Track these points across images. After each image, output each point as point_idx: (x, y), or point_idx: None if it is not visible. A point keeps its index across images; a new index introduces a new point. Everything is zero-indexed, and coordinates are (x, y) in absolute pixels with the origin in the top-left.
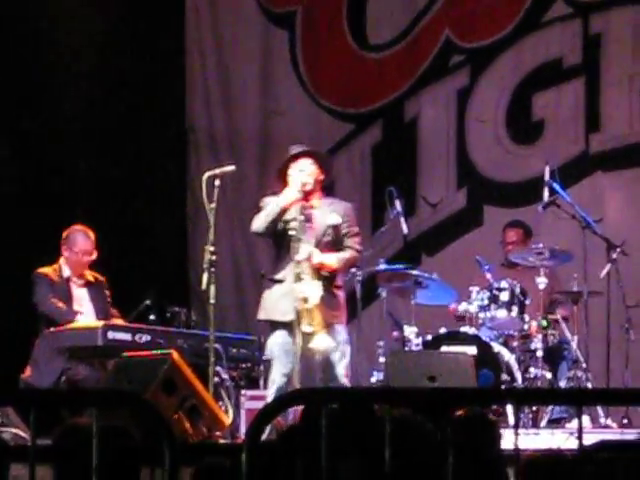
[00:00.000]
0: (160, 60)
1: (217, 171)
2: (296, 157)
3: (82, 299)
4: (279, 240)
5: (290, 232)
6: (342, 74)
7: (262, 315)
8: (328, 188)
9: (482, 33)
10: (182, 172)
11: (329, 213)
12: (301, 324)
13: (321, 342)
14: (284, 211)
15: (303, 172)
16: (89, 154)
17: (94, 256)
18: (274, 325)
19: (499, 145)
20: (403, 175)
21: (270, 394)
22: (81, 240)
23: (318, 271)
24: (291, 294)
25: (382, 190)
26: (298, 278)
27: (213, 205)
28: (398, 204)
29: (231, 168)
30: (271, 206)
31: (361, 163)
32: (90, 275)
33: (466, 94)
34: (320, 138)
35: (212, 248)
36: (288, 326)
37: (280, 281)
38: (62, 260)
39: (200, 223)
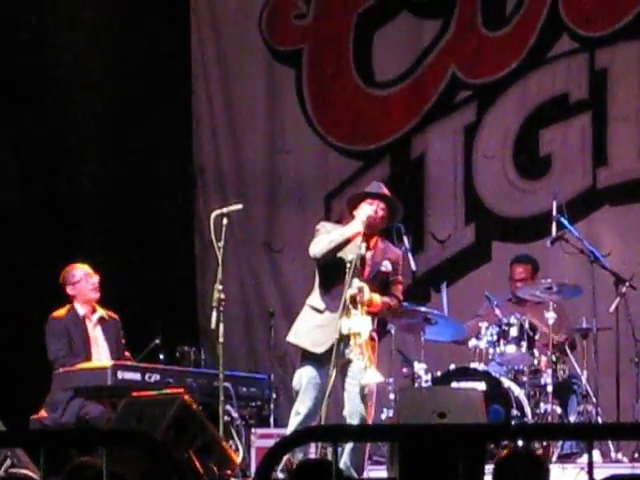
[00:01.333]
0: (167, 101)
1: (225, 210)
2: (374, 197)
3: (98, 339)
4: (329, 270)
5: (348, 264)
6: (349, 111)
7: (292, 338)
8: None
9: (488, 69)
10: (190, 212)
11: (382, 258)
12: (352, 356)
13: (372, 377)
14: (347, 242)
15: (375, 212)
16: (98, 197)
17: (96, 278)
18: (305, 356)
19: (507, 180)
20: (411, 211)
21: (291, 425)
22: (76, 270)
23: (366, 308)
24: (328, 327)
25: (390, 227)
26: (347, 312)
27: (221, 243)
28: (406, 241)
29: (238, 206)
30: (336, 233)
31: None
32: (104, 312)
33: (473, 130)
34: (327, 176)
35: (220, 287)
36: (319, 360)
37: (320, 311)
38: (75, 302)
39: (209, 262)
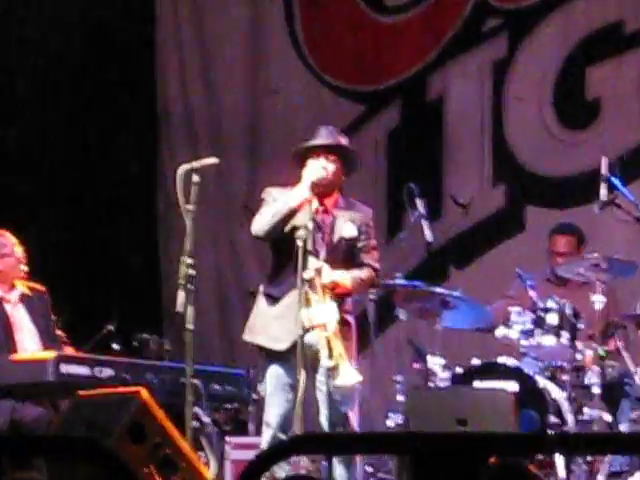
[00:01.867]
0: (125, 30)
1: (196, 164)
2: (319, 150)
3: (21, 321)
4: (281, 248)
5: (298, 241)
6: (350, 43)
7: (247, 336)
8: None
9: None
10: (152, 166)
11: (345, 222)
12: (320, 357)
13: (348, 377)
14: (293, 212)
15: (325, 170)
16: (41, 147)
17: (14, 259)
18: (267, 355)
19: (545, 130)
20: (426, 168)
21: (264, 441)
22: (8, 239)
23: (330, 291)
24: (288, 317)
25: (400, 187)
26: (305, 300)
27: (191, 207)
28: (420, 204)
29: (213, 160)
30: (279, 204)
31: (374, 153)
32: (25, 286)
33: (504, 67)
34: (323, 122)
35: (190, 260)
36: (284, 357)
37: (275, 299)
38: None
39: (175, 229)
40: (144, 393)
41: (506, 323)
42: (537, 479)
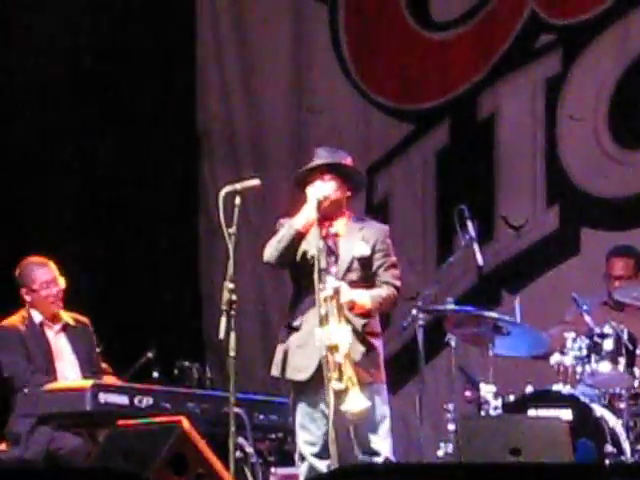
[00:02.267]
0: (166, 46)
1: (238, 186)
2: (314, 172)
3: (62, 350)
4: (298, 276)
5: (312, 261)
6: (398, 60)
7: (274, 371)
8: (379, 208)
9: (577, 6)
10: (193, 188)
11: (357, 241)
12: (329, 379)
13: (355, 402)
14: (300, 235)
15: (320, 187)
16: (78, 169)
17: (61, 286)
18: (294, 386)
19: (600, 150)
20: (477, 190)
21: (301, 475)
22: (38, 271)
23: (349, 311)
24: (310, 345)
25: (451, 209)
26: (324, 321)
27: (233, 229)
28: (471, 227)
29: (255, 182)
30: (284, 229)
31: (423, 174)
32: (68, 317)
33: (557, 84)
34: (370, 142)
35: (232, 285)
36: (310, 386)
37: (296, 328)
38: (29, 307)
39: (217, 253)
40: (185, 423)
41: (561, 349)
42: None
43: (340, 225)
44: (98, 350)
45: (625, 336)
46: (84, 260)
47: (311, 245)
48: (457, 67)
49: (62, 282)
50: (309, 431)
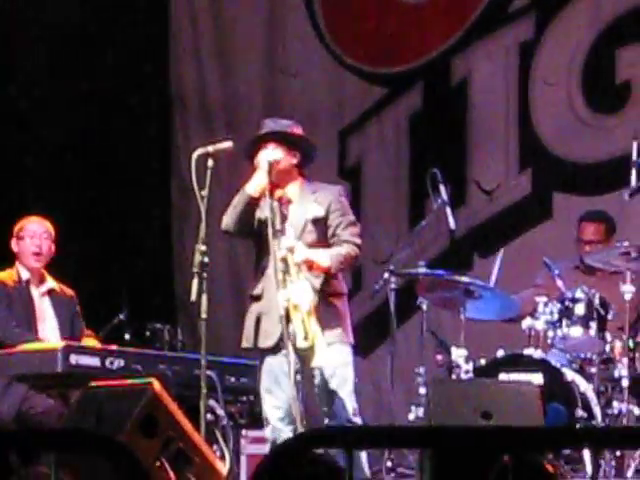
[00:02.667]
0: (140, 9)
1: (210, 148)
2: (260, 142)
3: (44, 311)
4: (257, 245)
5: (266, 226)
6: (372, 24)
7: (244, 343)
8: (352, 172)
9: None
10: (165, 150)
11: (310, 204)
12: (296, 339)
13: (323, 358)
14: (253, 200)
15: (268, 152)
16: (49, 131)
17: (48, 247)
18: (262, 352)
19: (573, 114)
20: (449, 153)
21: (267, 438)
22: (31, 223)
23: (307, 271)
24: (274, 310)
25: (423, 173)
26: (282, 282)
27: (205, 192)
28: (443, 191)
29: (228, 144)
30: (238, 196)
31: (396, 138)
32: (55, 283)
33: (531, 49)
34: (344, 106)
35: (204, 247)
36: (275, 349)
37: (259, 296)
38: (17, 263)
39: (189, 215)
40: (156, 385)
41: (533, 314)
42: (553, 478)
43: (293, 191)
44: (83, 323)
45: (597, 301)
46: (58, 221)
47: (265, 210)
48: (431, 31)
49: (51, 246)
50: (275, 395)
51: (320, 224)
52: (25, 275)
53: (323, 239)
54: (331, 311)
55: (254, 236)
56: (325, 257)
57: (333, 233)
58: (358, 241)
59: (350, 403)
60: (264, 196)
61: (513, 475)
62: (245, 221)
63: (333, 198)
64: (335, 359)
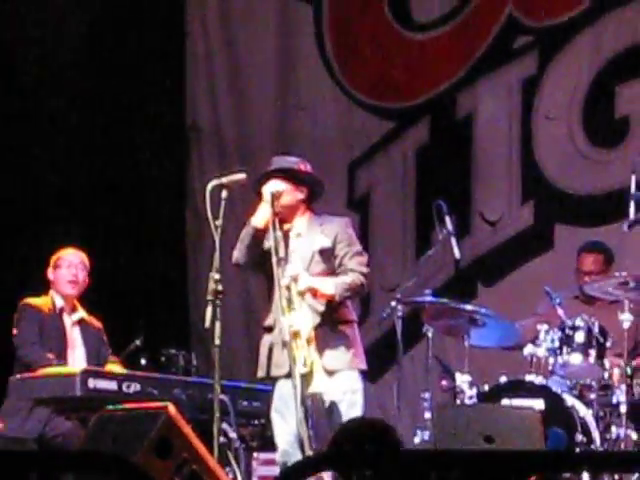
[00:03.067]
0: (155, 43)
1: (224, 180)
2: (265, 179)
3: (75, 339)
4: (266, 277)
5: (273, 257)
6: (380, 60)
7: (259, 372)
8: (360, 203)
9: (553, 9)
10: (181, 181)
11: (317, 235)
12: (296, 365)
13: (318, 385)
14: (259, 232)
15: (274, 185)
16: (72, 159)
17: (84, 277)
18: (274, 381)
19: (574, 148)
20: (455, 186)
21: (278, 462)
22: (68, 254)
23: (313, 297)
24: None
25: (429, 204)
26: (287, 309)
27: (219, 222)
28: (449, 222)
29: (242, 176)
30: (244, 229)
31: (403, 170)
32: (85, 313)
33: (533, 85)
34: (352, 139)
35: (218, 276)
36: (287, 376)
37: (271, 328)
38: (52, 291)
39: (203, 244)
40: (171, 408)
41: (534, 341)
42: None
43: (301, 224)
44: (109, 352)
45: (596, 329)
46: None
47: (270, 240)
48: (437, 67)
49: (86, 277)
50: (285, 419)
51: (327, 255)
52: (59, 303)
53: (331, 269)
54: (340, 338)
55: (264, 268)
56: (329, 285)
57: (340, 263)
58: (365, 270)
59: None
60: (268, 227)
61: None
62: (253, 253)
63: (340, 229)
64: (343, 385)
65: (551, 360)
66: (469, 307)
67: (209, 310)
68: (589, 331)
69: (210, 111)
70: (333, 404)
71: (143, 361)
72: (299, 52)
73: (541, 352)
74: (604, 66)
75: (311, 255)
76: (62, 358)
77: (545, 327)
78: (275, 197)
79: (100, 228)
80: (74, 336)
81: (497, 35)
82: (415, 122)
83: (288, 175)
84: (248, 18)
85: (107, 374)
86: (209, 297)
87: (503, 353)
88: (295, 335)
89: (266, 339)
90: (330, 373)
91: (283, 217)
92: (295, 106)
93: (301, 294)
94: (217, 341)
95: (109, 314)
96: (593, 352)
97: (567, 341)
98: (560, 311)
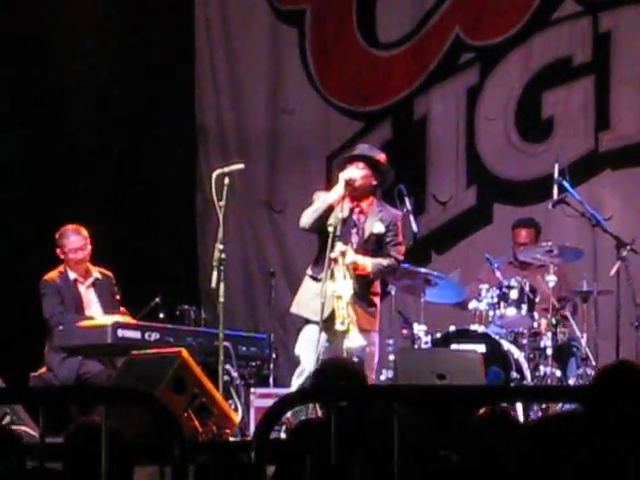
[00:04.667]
0: (171, 59)
1: (226, 169)
2: (351, 160)
3: (91, 300)
4: (322, 239)
5: (329, 228)
6: (352, 72)
7: (294, 309)
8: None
9: (492, 31)
10: (192, 170)
11: (376, 220)
12: (335, 322)
13: (354, 340)
14: (331, 207)
15: (350, 171)
16: (97, 152)
17: (87, 251)
18: (307, 323)
19: (508, 143)
20: (413, 173)
21: (293, 387)
22: (70, 238)
23: (353, 271)
24: (321, 294)
25: (392, 188)
26: (331, 276)
27: (222, 203)
28: (408, 202)
29: (240, 166)
30: (319, 201)
31: None
32: (97, 271)
33: (476, 92)
34: (329, 136)
35: (221, 246)
36: (317, 323)
37: (317, 279)
38: (65, 264)
39: (210, 221)
40: (185, 353)
41: (477, 298)
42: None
43: (366, 206)
44: (118, 298)
45: (527, 288)
46: (112, 234)
47: (334, 216)
48: (398, 78)
49: (88, 247)
50: (310, 356)
51: (379, 238)
52: (72, 275)
53: (378, 250)
54: (371, 306)
55: (321, 233)
56: (368, 263)
57: (385, 247)
58: (400, 258)
59: (371, 375)
60: (337, 205)
61: (490, 423)
62: (320, 222)
63: (393, 220)
64: (368, 341)
65: (491, 313)
66: (424, 270)
67: (214, 274)
68: (521, 290)
69: (215, 114)
70: (361, 354)
71: (161, 315)
72: (287, 67)
73: (482, 306)
74: (533, 77)
75: (368, 235)
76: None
77: (486, 286)
78: (348, 183)
79: (125, 210)
80: (89, 297)
81: (446, 52)
82: (380, 122)
83: (369, 162)
84: (245, 38)
85: (133, 325)
86: (214, 263)
87: (452, 308)
88: (338, 298)
89: (311, 285)
90: (362, 331)
91: (354, 196)
92: (283, 109)
93: (346, 266)
94: (221, 299)
95: (134, 279)
96: (525, 306)
97: (504, 298)
98: (498, 273)
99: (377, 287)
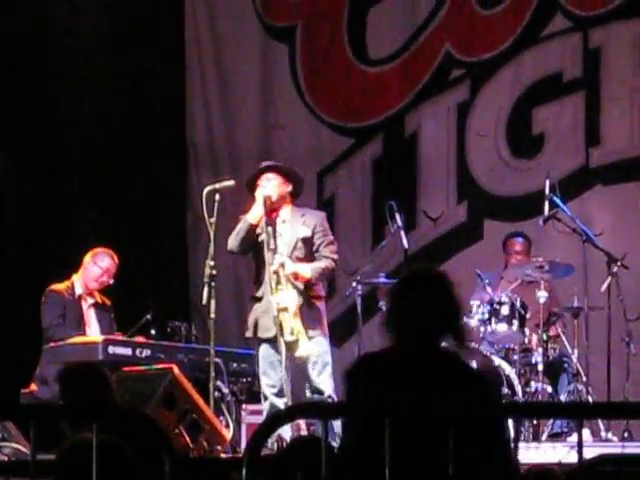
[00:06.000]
0: (163, 75)
1: (217, 185)
2: (260, 174)
3: (91, 318)
4: (256, 257)
5: (262, 246)
6: (342, 88)
7: (248, 333)
8: (328, 203)
9: (482, 47)
10: (183, 187)
11: (300, 225)
12: (283, 334)
13: (305, 350)
14: (253, 227)
15: (264, 187)
16: (89, 168)
17: (112, 281)
18: (260, 342)
19: (499, 159)
20: (403, 189)
21: (265, 410)
22: (108, 260)
23: (294, 280)
24: (270, 310)
25: (382, 204)
26: (275, 289)
27: (213, 219)
28: (399, 218)
29: (231, 182)
30: (240, 223)
31: (361, 177)
32: (99, 297)
33: (466, 108)
34: (320, 152)
35: (212, 262)
36: (271, 340)
37: (259, 298)
38: (75, 278)
39: (201, 238)
40: (176, 369)
41: (468, 314)
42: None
43: (286, 212)
44: (114, 327)
45: (518, 304)
46: (101, 241)
47: (262, 234)
48: (388, 94)
49: (112, 280)
50: (269, 376)
51: (307, 242)
52: (79, 291)
53: (309, 254)
54: (314, 310)
55: (253, 252)
56: (307, 270)
57: (316, 250)
58: (335, 257)
59: (329, 382)
60: (260, 223)
61: None
62: (246, 243)
63: (318, 221)
64: (318, 349)
65: (482, 329)
66: None
67: (205, 290)
68: (512, 305)
69: (205, 130)
70: (313, 363)
71: (153, 331)
72: (278, 82)
73: (474, 323)
74: (523, 93)
75: (295, 242)
76: (81, 334)
77: (477, 302)
78: (266, 199)
79: (117, 225)
80: (90, 316)
81: (436, 68)
82: (371, 138)
83: (278, 170)
84: (236, 54)
85: (124, 342)
86: (205, 279)
87: None
88: (283, 310)
89: (256, 306)
90: (309, 339)
91: (274, 207)
92: (274, 125)
93: (287, 277)
94: (212, 315)
95: (126, 295)
96: (516, 322)
97: (495, 313)
98: (489, 289)
99: (320, 291)
